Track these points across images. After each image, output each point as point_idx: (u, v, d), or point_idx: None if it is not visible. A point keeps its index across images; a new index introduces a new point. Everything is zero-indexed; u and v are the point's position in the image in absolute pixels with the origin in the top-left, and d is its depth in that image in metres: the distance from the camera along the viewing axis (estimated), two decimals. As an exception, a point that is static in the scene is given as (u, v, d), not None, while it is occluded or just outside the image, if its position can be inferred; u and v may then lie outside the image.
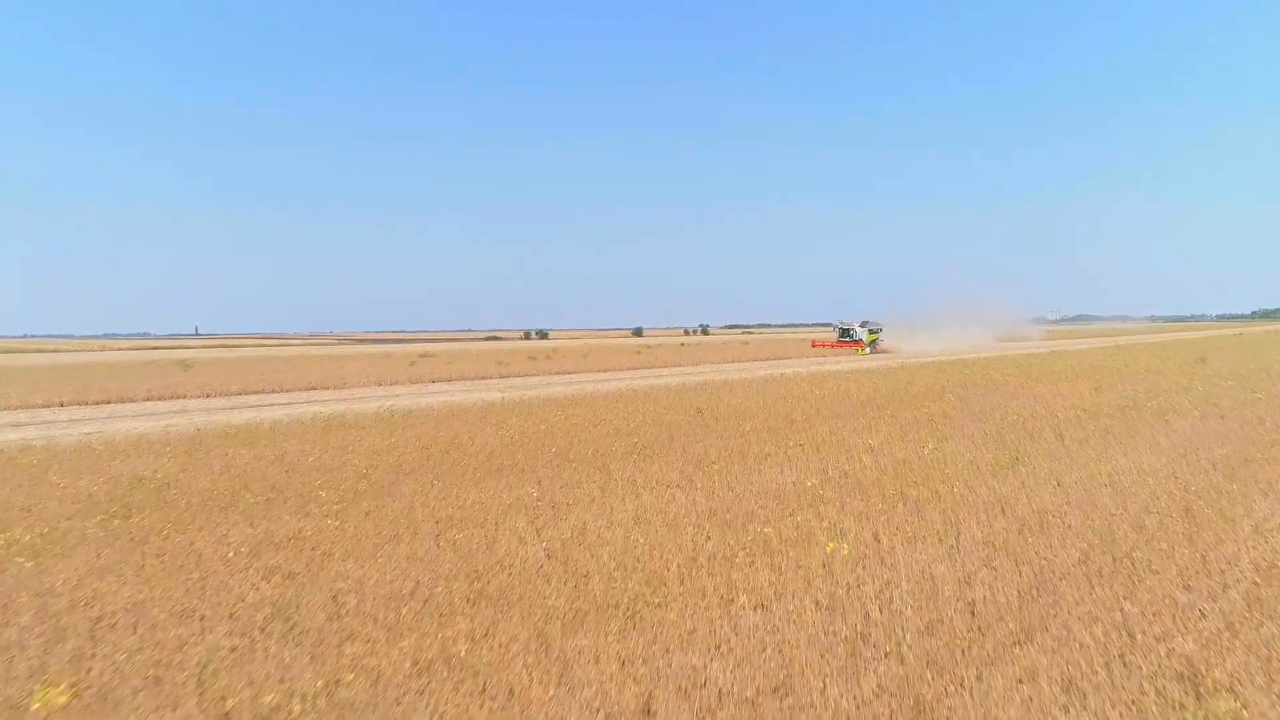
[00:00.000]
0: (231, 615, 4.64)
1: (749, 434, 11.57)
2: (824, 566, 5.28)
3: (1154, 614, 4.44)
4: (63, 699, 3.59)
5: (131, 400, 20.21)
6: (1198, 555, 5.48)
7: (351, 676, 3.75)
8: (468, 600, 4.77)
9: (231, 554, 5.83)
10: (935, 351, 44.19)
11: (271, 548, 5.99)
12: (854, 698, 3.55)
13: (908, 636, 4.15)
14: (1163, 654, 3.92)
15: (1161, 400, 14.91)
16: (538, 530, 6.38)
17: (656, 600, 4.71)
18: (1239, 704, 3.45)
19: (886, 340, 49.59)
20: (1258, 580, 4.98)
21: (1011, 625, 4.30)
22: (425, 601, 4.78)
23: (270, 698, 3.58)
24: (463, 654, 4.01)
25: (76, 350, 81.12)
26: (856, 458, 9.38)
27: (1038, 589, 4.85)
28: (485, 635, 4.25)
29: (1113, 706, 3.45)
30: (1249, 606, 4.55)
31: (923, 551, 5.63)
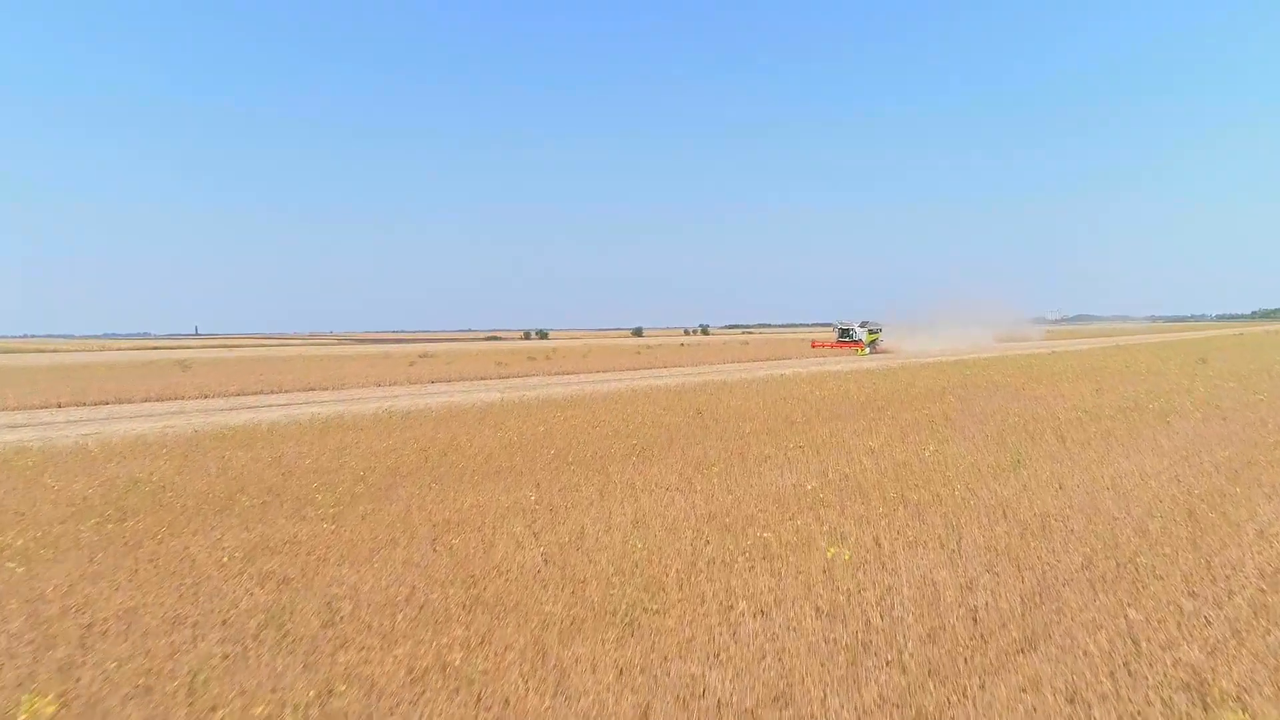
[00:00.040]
0: (224, 622, 4.58)
1: (748, 436, 11.51)
2: (824, 572, 5.22)
3: (1159, 621, 4.38)
4: (50, 709, 3.53)
5: (129, 401, 20.15)
6: (1202, 560, 5.43)
7: (344, 686, 3.69)
8: (463, 607, 4.71)
9: (226, 559, 5.77)
10: (935, 352, 44.14)
11: (266, 553, 5.93)
12: (855, 708, 3.50)
13: (909, 644, 4.10)
14: (1168, 663, 3.86)
15: (1163, 402, 14.86)
16: (535, 534, 6.32)
17: (655, 607, 4.65)
18: (1247, 715, 3.39)
19: (886, 340, 49.54)
20: (1263, 586, 4.93)
21: (1014, 633, 4.24)
22: (421, 608, 4.72)
23: (261, 709, 3.53)
24: (458, 662, 3.95)
25: (76, 350, 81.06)
26: (857, 460, 9.33)
27: (1040, 595, 4.80)
28: (481, 643, 4.19)
29: (1118, 718, 3.39)
30: (1254, 613, 4.49)
31: (924, 556, 5.57)
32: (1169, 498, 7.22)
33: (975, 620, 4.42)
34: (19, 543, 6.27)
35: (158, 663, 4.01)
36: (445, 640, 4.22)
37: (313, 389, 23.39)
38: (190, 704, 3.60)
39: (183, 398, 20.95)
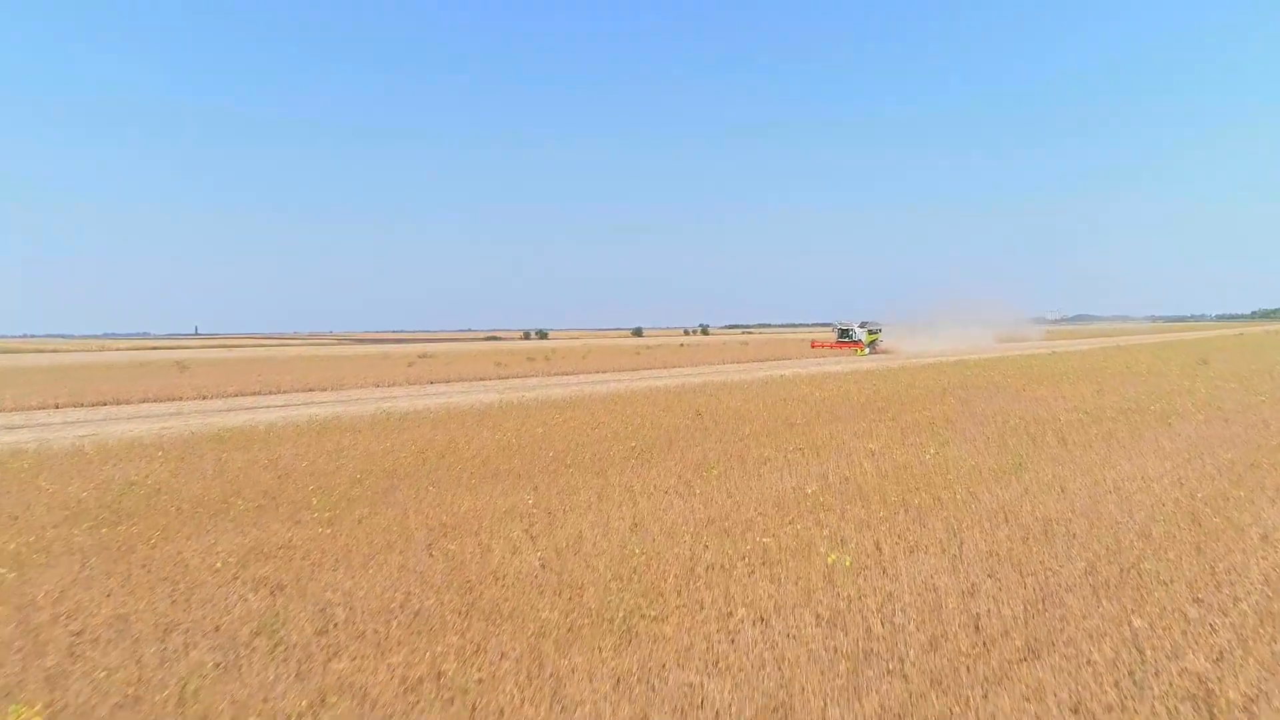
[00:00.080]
0: (217, 629, 4.52)
1: (748, 438, 11.46)
2: (825, 578, 5.16)
3: (1163, 629, 4.32)
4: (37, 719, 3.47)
5: (127, 402, 20.09)
6: (1206, 566, 5.37)
7: (336, 698, 3.63)
8: (459, 614, 4.65)
9: (219, 564, 5.71)
10: (935, 352, 44.08)
11: (261, 558, 5.87)
12: (856, 719, 3.44)
13: (911, 653, 4.04)
14: (1174, 672, 3.80)
15: (1164, 403, 14.80)
16: (533, 539, 6.26)
17: (653, 614, 4.59)
18: (1255, 727, 3.34)
19: (886, 340, 49.47)
20: (1268, 593, 4.87)
21: (1017, 641, 4.18)
22: (416, 615, 4.66)
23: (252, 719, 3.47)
24: (452, 672, 3.89)
25: (75, 350, 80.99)
26: (857, 463, 9.27)
27: (1043, 602, 4.74)
28: (476, 651, 4.13)
29: (1124, 729, 3.33)
30: (1261, 621, 4.43)
31: (925, 562, 5.51)
32: (1172, 501, 7.16)
33: (977, 628, 4.36)
34: (11, 547, 6.21)
35: (148, 672, 3.95)
36: (440, 649, 4.16)
37: (311, 390, 23.33)
38: (180, 714, 3.54)
39: (181, 399, 20.88)
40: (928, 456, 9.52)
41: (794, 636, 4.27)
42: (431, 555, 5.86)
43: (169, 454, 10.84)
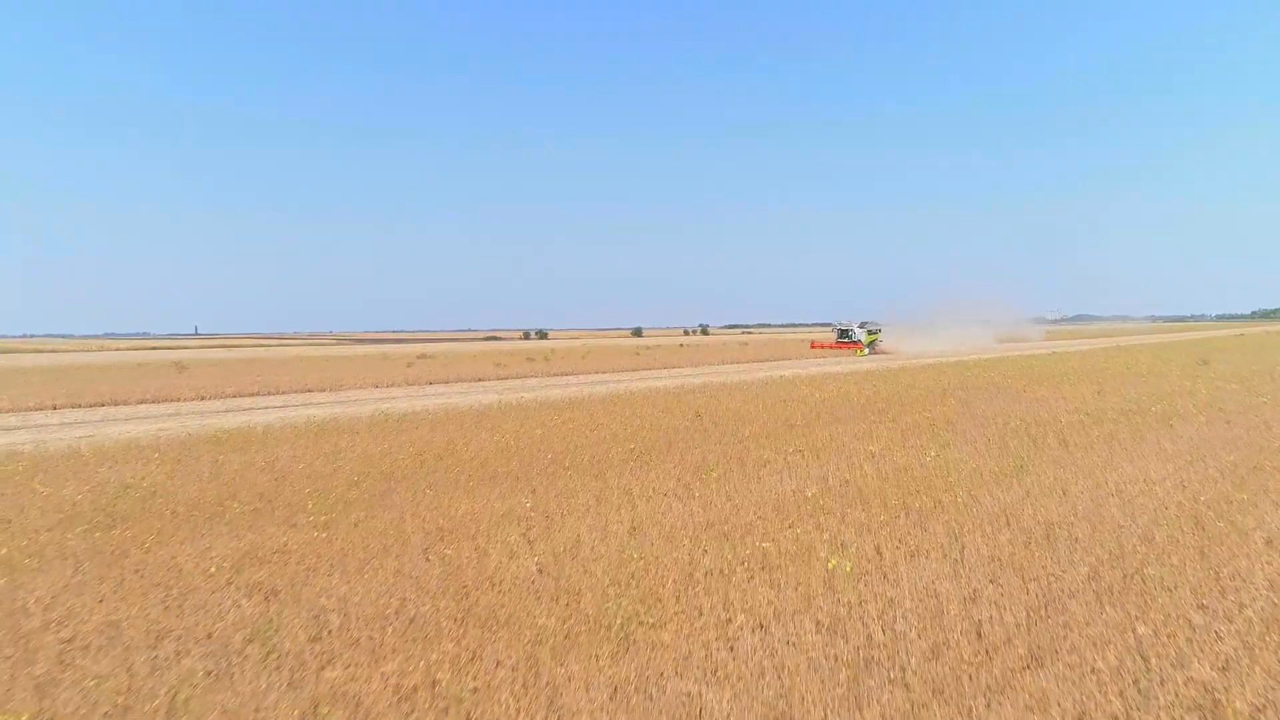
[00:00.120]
0: (209, 636, 4.46)
1: (748, 439, 11.40)
2: (825, 583, 5.11)
3: (1168, 636, 4.26)
4: (24, 731, 3.41)
5: (125, 403, 20.02)
6: (1210, 571, 5.31)
7: (328, 708, 3.57)
8: (455, 620, 4.60)
9: (213, 569, 5.65)
10: (935, 352, 44.02)
11: (255, 562, 5.81)
12: (857, 730, 3.38)
13: (912, 661, 3.98)
14: (1180, 681, 3.74)
15: (1165, 404, 14.74)
16: (530, 543, 6.20)
17: (651, 620, 4.53)
18: (1262, 738, 3.28)
19: (886, 341, 49.40)
20: (1274, 599, 4.81)
21: (1020, 649, 4.12)
22: (411, 621, 4.60)
23: (242, 730, 3.41)
24: (447, 680, 3.83)
25: (74, 350, 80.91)
26: (857, 465, 9.21)
27: (1046, 608, 4.68)
28: (472, 659, 4.07)
29: (1129, 741, 3.28)
30: (1267, 628, 4.38)
31: (926, 567, 5.45)
32: (1175, 505, 7.11)
33: (979, 635, 4.30)
34: (3, 551, 6.15)
35: (138, 680, 3.89)
36: (435, 656, 4.10)
37: (310, 390, 23.27)
38: (169, 725, 3.48)
39: (179, 399, 20.82)
40: (928, 459, 9.47)
41: (794, 644, 4.21)
42: (428, 560, 5.80)
43: (165, 456, 10.78)
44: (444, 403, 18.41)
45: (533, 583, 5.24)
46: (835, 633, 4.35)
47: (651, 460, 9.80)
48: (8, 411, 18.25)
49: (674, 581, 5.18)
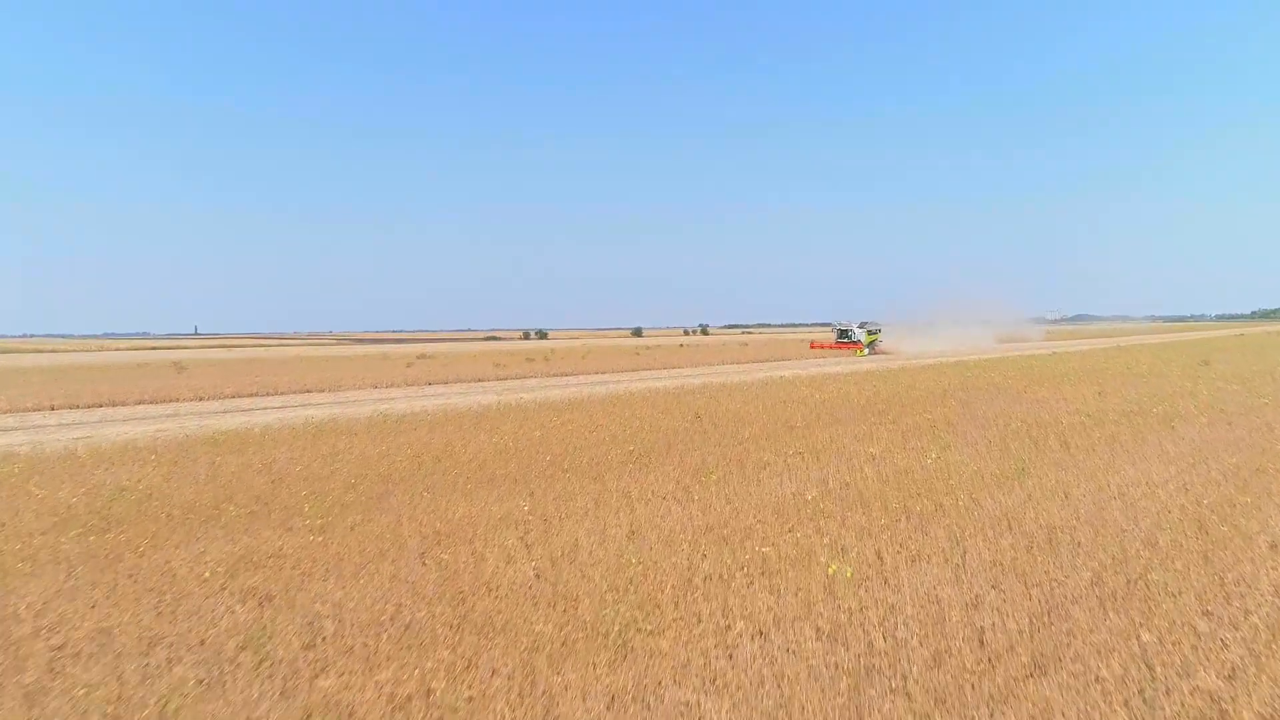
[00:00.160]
0: (202, 643, 4.40)
1: (747, 441, 11.34)
2: (825, 589, 5.05)
3: (1173, 643, 4.21)
4: (12, 742, 3.35)
5: (124, 404, 19.96)
6: (1215, 576, 5.26)
7: (321, 717, 3.52)
8: (451, 627, 4.54)
9: (208, 574, 5.59)
10: (935, 352, 43.96)
11: (250, 567, 5.75)
12: (858, 741, 3.32)
13: (914, 669, 3.92)
14: (1185, 690, 3.69)
15: (1167, 405, 14.69)
16: (528, 547, 6.15)
17: (649, 627, 4.48)
18: (1270, 750, 3.22)
19: (886, 341, 49.34)
20: (1280, 605, 4.76)
21: (1023, 656, 4.07)
22: (406, 628, 4.55)
23: (233, 741, 3.35)
24: (442, 689, 3.78)
25: (74, 351, 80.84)
26: (858, 467, 9.15)
27: (1049, 614, 4.62)
28: (467, 667, 4.02)
29: (1135, 752, 3.22)
30: (1273, 635, 4.32)
31: (927, 572, 5.39)
32: (1178, 508, 7.05)
33: (982, 642, 4.25)
34: (-4, 556, 6.09)
35: (129, 689, 3.84)
36: (430, 664, 4.04)
37: (309, 391, 23.21)
38: (159, 736, 3.43)
39: (178, 400, 20.76)
40: (929, 461, 9.41)
41: (794, 652, 4.15)
42: (424, 564, 5.75)
43: (162, 457, 10.72)
44: (443, 403, 18.35)
45: (530, 588, 5.18)
46: (836, 640, 4.30)
47: (650, 462, 9.74)
48: (5, 412, 18.19)
49: (672, 587, 5.13)
